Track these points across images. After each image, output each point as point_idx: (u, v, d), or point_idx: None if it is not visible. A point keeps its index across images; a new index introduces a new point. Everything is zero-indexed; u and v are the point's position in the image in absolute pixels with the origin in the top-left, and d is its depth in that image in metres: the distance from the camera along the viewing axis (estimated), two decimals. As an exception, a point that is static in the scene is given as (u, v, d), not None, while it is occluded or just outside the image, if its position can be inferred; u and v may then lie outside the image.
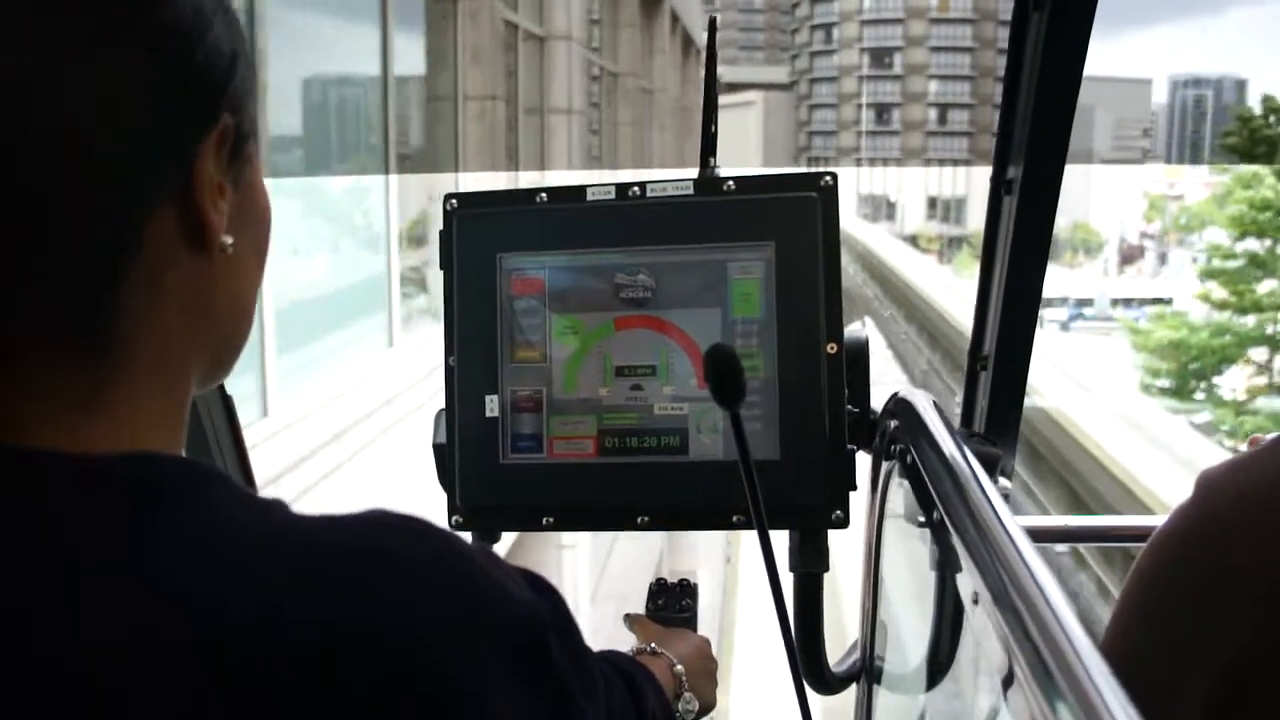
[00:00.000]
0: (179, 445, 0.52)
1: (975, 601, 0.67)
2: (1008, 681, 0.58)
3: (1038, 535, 1.29)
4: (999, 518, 0.70)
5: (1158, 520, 0.82)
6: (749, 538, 0.80)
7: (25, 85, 0.43)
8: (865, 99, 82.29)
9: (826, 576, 1.02)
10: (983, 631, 0.64)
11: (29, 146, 0.44)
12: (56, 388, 0.46)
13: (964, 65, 78.69)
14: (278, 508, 0.47)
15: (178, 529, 0.44)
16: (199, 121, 0.50)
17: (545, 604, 0.51)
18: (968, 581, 0.69)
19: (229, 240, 0.51)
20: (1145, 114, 74.40)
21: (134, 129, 0.46)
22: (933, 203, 68.38)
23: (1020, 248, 1.14)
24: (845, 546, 1.01)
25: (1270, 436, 0.78)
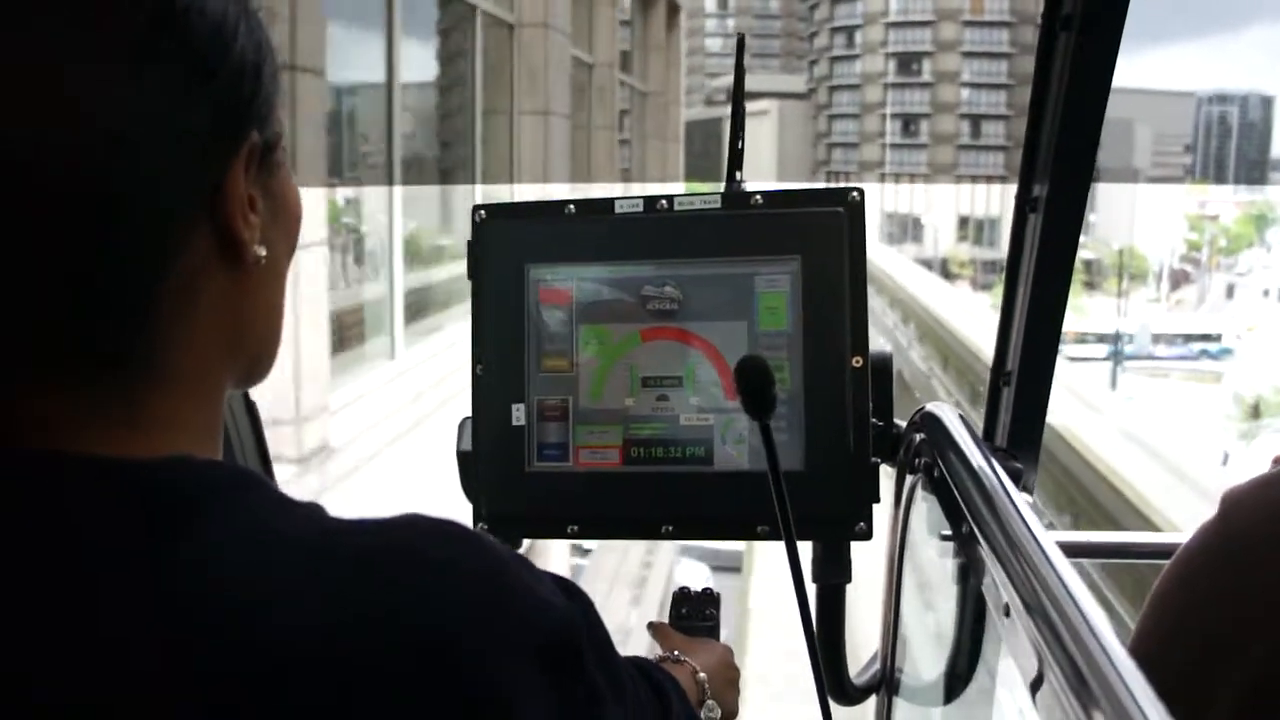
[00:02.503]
0: (216, 453, 0.56)
1: (1006, 613, 0.71)
2: (1038, 688, 0.62)
3: (1064, 550, 1.33)
4: (1030, 529, 0.75)
5: (1181, 537, 0.85)
6: (760, 549, 0.86)
7: (51, 115, 0.46)
8: (890, 109, 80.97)
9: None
10: (1015, 643, 0.68)
11: (60, 174, 0.46)
12: (94, 403, 0.50)
13: (1000, 72, 76.74)
14: (313, 511, 0.51)
15: (211, 532, 0.47)
16: (227, 140, 0.52)
17: (577, 609, 0.56)
18: (998, 593, 0.74)
19: (262, 252, 0.55)
20: (1187, 129, 74.16)
21: (163, 152, 0.49)
22: (964, 223, 67.93)
23: (1045, 266, 1.21)
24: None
25: None
